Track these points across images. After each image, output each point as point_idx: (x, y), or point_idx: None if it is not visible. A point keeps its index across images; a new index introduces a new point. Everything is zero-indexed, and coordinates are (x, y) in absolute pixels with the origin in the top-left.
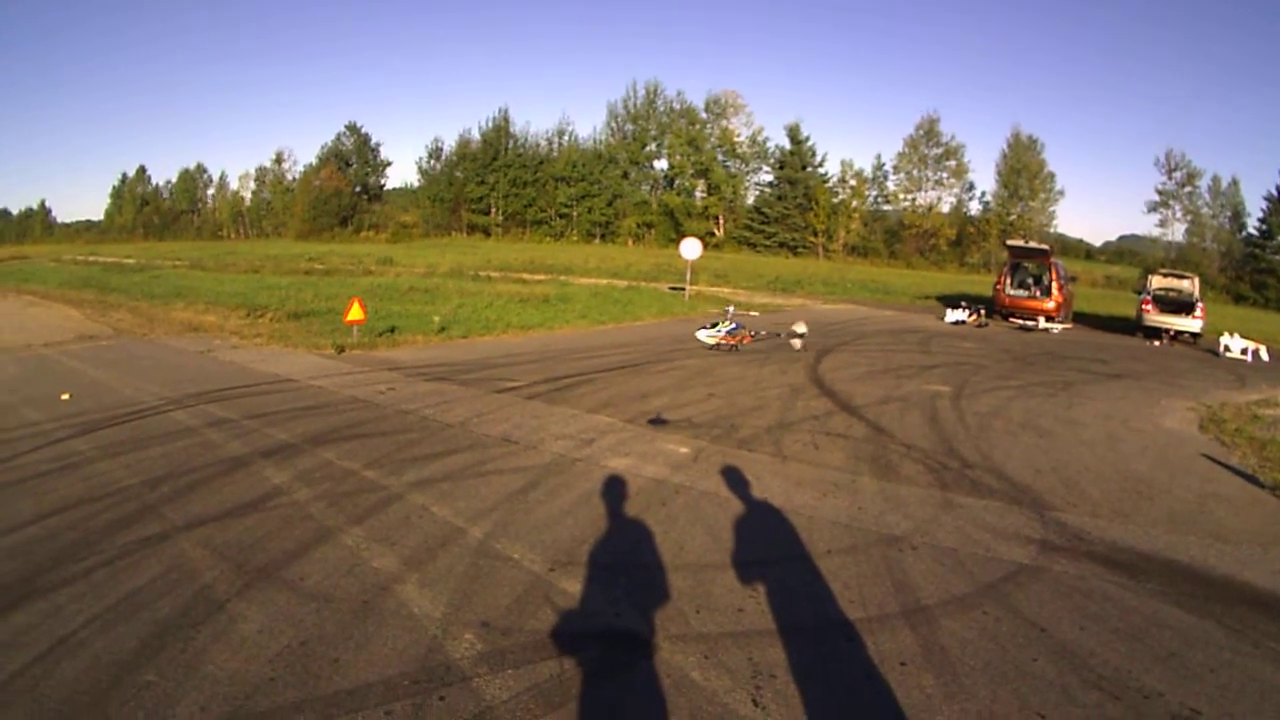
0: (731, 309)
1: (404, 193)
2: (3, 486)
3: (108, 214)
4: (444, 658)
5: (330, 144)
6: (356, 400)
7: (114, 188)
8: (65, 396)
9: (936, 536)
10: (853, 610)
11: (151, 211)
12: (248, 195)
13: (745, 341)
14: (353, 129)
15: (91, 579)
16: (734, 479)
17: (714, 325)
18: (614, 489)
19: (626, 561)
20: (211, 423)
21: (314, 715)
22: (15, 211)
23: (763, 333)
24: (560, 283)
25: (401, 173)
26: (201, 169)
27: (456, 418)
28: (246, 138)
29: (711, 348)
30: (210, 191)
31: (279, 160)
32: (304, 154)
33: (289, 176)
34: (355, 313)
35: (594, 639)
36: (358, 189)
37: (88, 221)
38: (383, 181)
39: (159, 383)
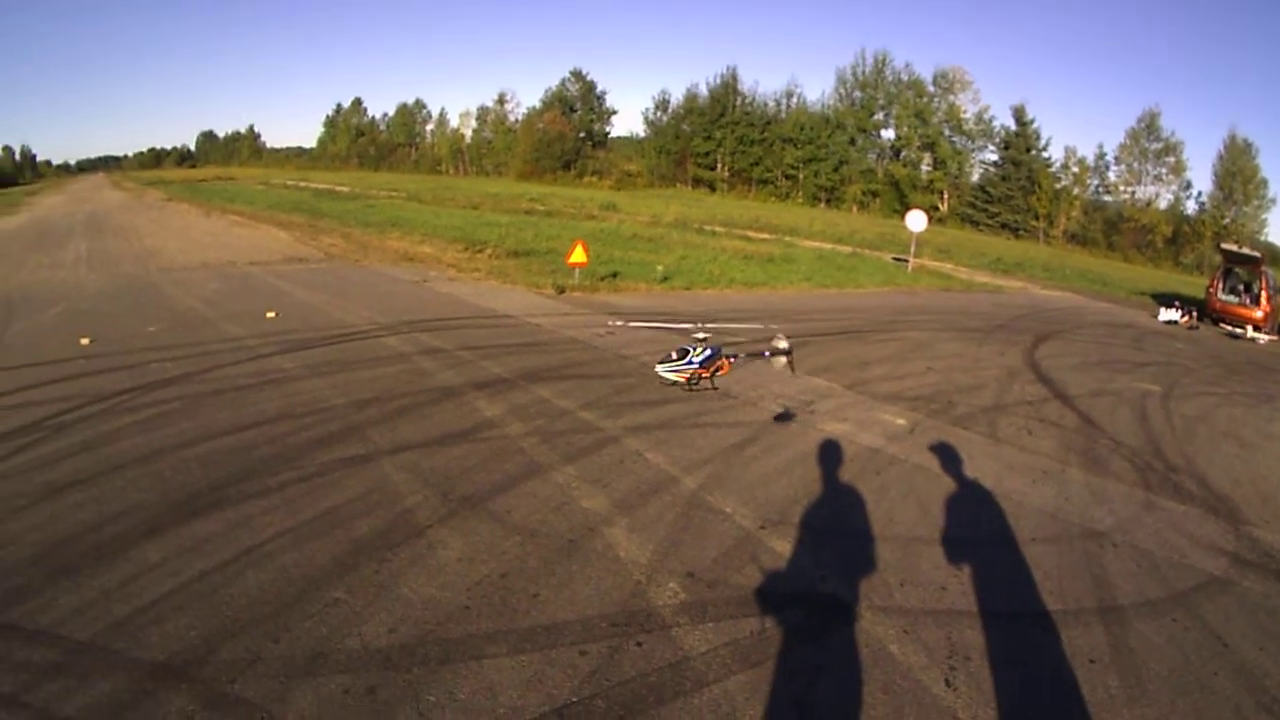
0: (704, 335)
1: (628, 142)
2: (199, 397)
3: (320, 142)
4: (646, 604)
5: (554, 89)
6: (575, 341)
7: (327, 117)
8: (271, 314)
9: (1136, 536)
10: (1051, 601)
11: (367, 142)
12: (468, 133)
13: (723, 371)
14: (578, 75)
15: (285, 493)
16: (947, 456)
17: (682, 356)
18: (829, 453)
19: (836, 527)
20: (424, 351)
21: (507, 646)
22: (222, 134)
23: (741, 356)
24: (785, 243)
25: (626, 122)
26: (420, 104)
27: None
28: (466, 78)
29: (673, 385)
30: (429, 127)
31: (501, 101)
32: (526, 97)
33: (511, 118)
34: (578, 255)
35: (797, 601)
36: (582, 134)
37: (298, 148)
38: (607, 129)
39: (371, 308)
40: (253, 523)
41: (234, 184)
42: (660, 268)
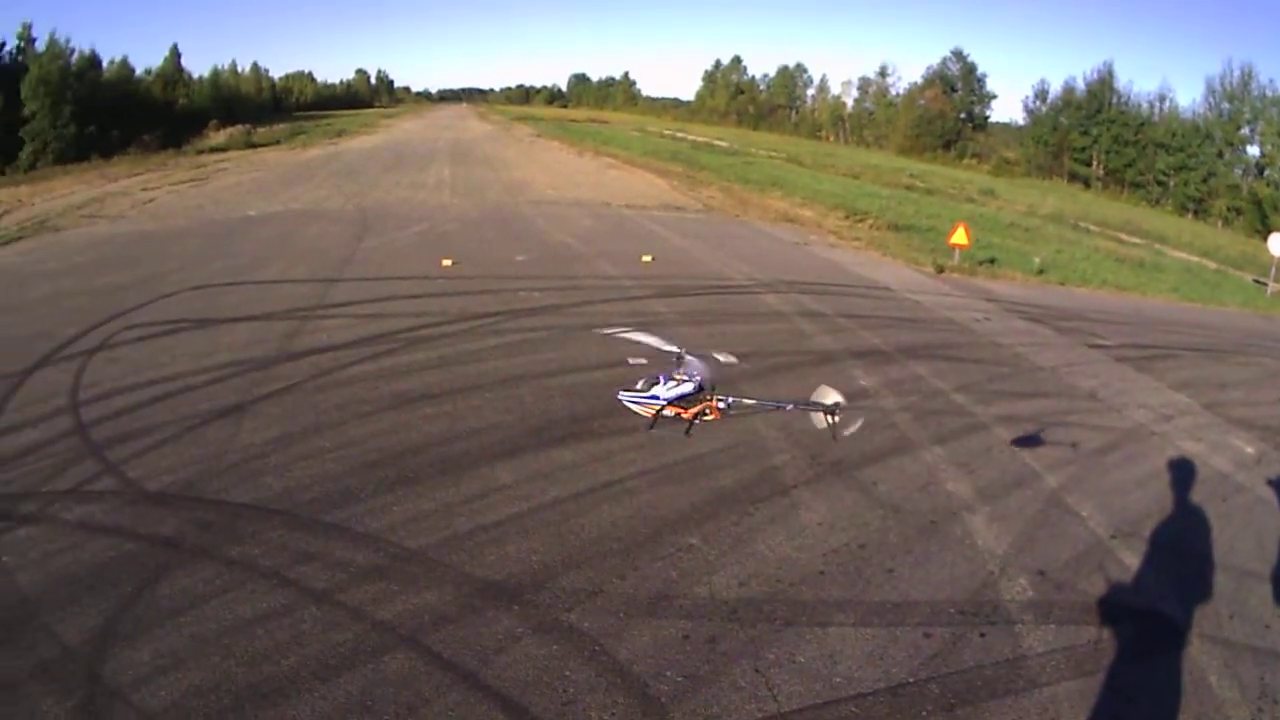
0: (691, 358)
1: (1007, 128)
2: (568, 329)
3: (699, 96)
4: (994, 596)
5: (936, 67)
6: (951, 322)
7: (706, 72)
8: (647, 259)
9: None
10: None
11: (747, 100)
12: (849, 102)
13: (712, 416)
14: (959, 55)
15: (651, 434)
16: None
17: (649, 385)
18: (1182, 471)
19: (1181, 548)
20: (803, 312)
21: (854, 617)
22: (595, 78)
23: (745, 401)
24: (1155, 250)
25: (1005, 107)
26: (801, 68)
27: (1047, 362)
28: (847, 46)
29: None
30: (810, 92)
31: (883, 74)
32: (906, 72)
33: (892, 91)
34: (959, 236)
35: (1135, 617)
36: (962, 115)
37: (675, 99)
38: (987, 113)
39: (749, 264)
40: (614, 458)
41: (608, 128)
42: (1036, 260)
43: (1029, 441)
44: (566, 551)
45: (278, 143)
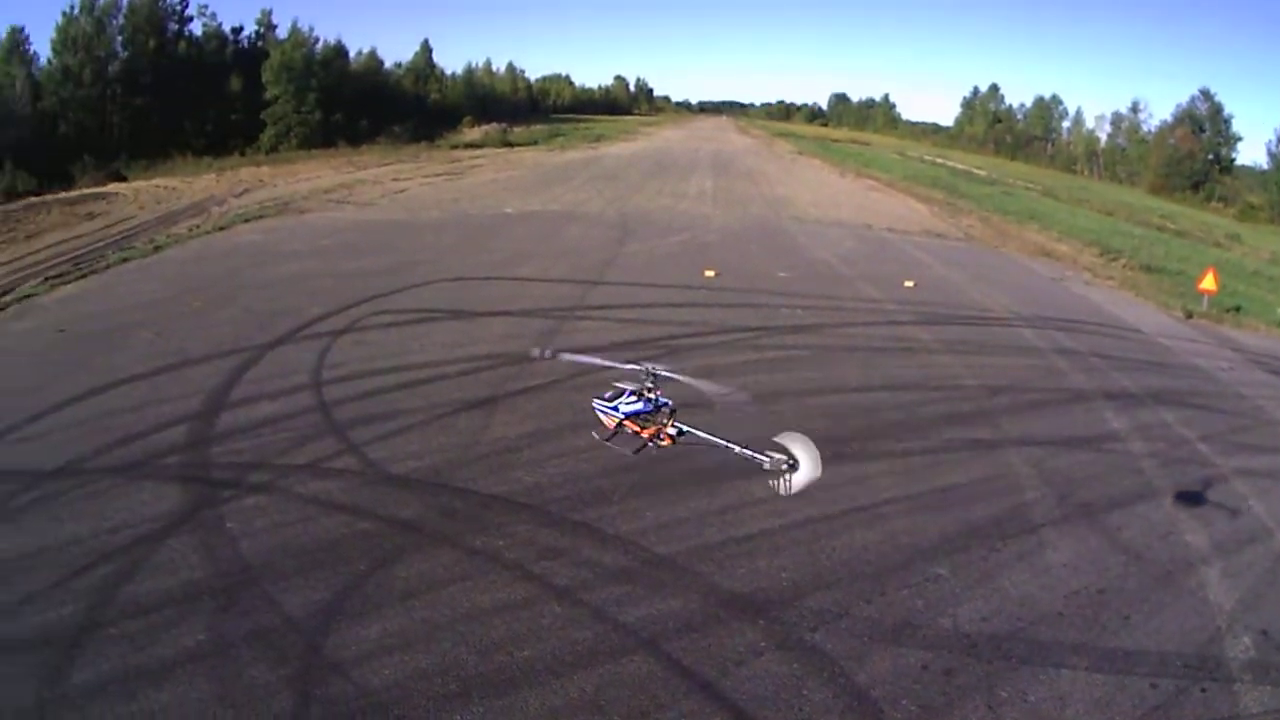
0: (654, 369)
1: (1250, 172)
2: (829, 350)
3: (958, 122)
4: (1219, 651)
5: (1185, 105)
6: (1198, 370)
7: (964, 99)
8: (909, 284)
9: None
10: None
11: (1004, 130)
12: (1103, 136)
13: (665, 443)
14: (1206, 96)
15: (908, 461)
16: None
17: (615, 397)
18: None
19: None
20: (1058, 349)
21: (1087, 661)
22: (855, 98)
23: (697, 434)
24: None
25: (1249, 150)
26: (1057, 100)
27: None
28: (1101, 79)
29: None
30: (1066, 125)
31: (1135, 110)
32: (1158, 108)
33: (1144, 128)
34: (1208, 282)
35: None
36: (1210, 156)
37: (934, 125)
38: (1233, 155)
39: (1008, 296)
40: (870, 482)
41: (868, 149)
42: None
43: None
44: (816, 571)
45: (535, 143)
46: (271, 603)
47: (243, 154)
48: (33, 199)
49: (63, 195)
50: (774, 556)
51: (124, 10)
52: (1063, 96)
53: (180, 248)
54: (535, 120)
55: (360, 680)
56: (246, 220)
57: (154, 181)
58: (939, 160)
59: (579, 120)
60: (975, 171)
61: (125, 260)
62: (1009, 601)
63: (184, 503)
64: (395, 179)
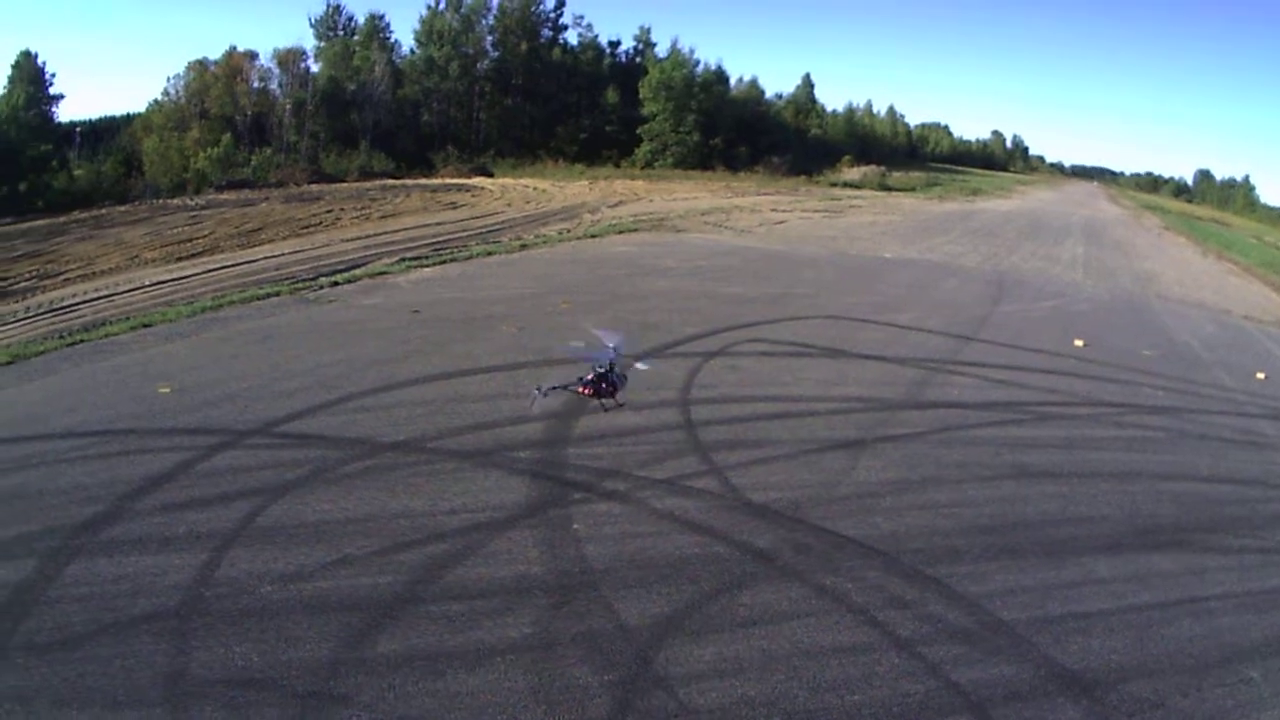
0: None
1: None
2: (1183, 435)
3: None
4: None
5: None
6: None
7: None
8: (1261, 375)
9: None
10: None
11: None
12: None
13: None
14: None
15: (1243, 558)
16: None
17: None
18: None
19: None
20: None
21: None
22: (1219, 177)
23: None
24: None
25: None
26: None
27: None
28: None
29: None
30: None
31: None
32: None
33: None
34: None
35: None
36: None
37: None
38: None
39: None
40: (1206, 575)
41: (1228, 230)
42: None
43: None
44: (1143, 657)
45: (912, 189)
46: (607, 608)
47: (617, 166)
48: (390, 181)
49: (423, 181)
50: (1108, 637)
51: (494, 11)
52: None
53: (550, 249)
54: (913, 167)
55: (687, 699)
56: (620, 231)
57: (522, 181)
58: None
59: (955, 171)
60: None
61: (489, 254)
62: None
63: (531, 497)
64: (773, 209)
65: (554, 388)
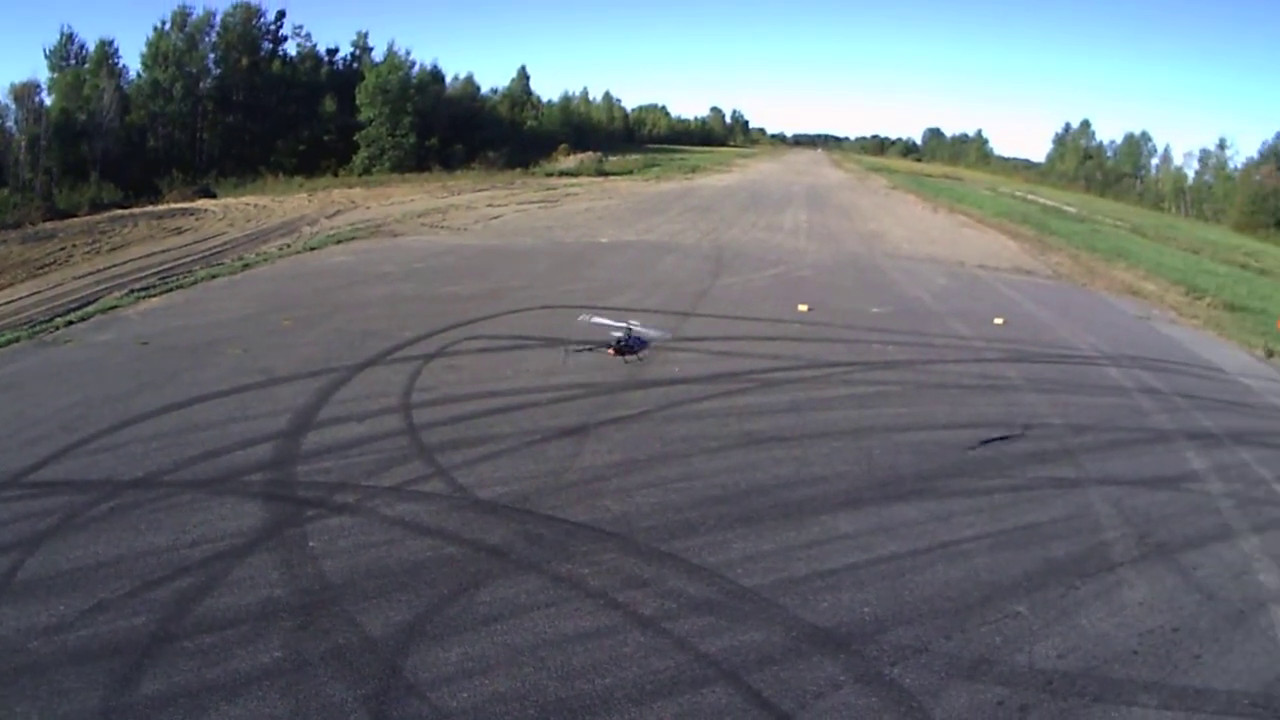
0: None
1: None
2: (919, 386)
3: (1049, 159)
4: None
5: (1271, 143)
6: (1276, 410)
7: (1056, 135)
8: (999, 321)
9: None
10: None
11: (1094, 166)
12: (1190, 174)
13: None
14: None
15: (992, 499)
16: None
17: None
18: None
19: None
20: (1142, 389)
21: (1156, 700)
22: (949, 134)
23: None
24: None
25: None
26: (1146, 137)
27: None
28: (1189, 116)
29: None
30: (1154, 161)
31: (1222, 146)
32: (1244, 146)
33: (1230, 165)
34: None
35: None
36: None
37: (1025, 161)
38: None
39: (1094, 334)
40: (954, 520)
41: (960, 185)
42: None
43: None
44: (898, 606)
45: (630, 173)
46: (352, 623)
47: (335, 175)
48: (119, 211)
49: (150, 209)
50: (857, 591)
51: (216, 28)
52: (1152, 133)
53: (270, 266)
54: (631, 150)
55: (439, 703)
56: (339, 241)
57: (244, 199)
58: (1029, 196)
59: (674, 151)
60: (1065, 208)
61: (214, 277)
62: (1085, 639)
63: (266, 519)
64: (489, 205)
65: (580, 349)
